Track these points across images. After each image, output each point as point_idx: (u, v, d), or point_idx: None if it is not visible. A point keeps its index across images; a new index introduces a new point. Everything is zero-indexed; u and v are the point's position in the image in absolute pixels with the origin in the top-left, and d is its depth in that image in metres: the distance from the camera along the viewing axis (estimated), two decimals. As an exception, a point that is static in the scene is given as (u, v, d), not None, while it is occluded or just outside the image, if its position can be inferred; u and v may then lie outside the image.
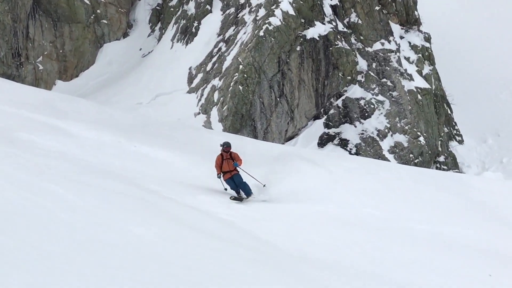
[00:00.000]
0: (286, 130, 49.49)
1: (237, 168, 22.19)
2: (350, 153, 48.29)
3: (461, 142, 55.39)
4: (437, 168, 50.43)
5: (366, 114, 50.54)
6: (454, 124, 56.03)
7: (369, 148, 48.98)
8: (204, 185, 22.35)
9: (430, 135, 51.25)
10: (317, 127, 50.30)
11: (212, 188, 22.14)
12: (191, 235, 13.16)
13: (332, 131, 50.09)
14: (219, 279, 10.17)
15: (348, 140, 49.46)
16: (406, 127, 50.33)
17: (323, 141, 49.46)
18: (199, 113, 48.22)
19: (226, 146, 22.28)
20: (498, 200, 28.07)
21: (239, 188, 22.10)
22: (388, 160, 47.28)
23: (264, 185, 22.78)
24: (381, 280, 15.45)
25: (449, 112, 55.83)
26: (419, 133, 50.39)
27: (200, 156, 26.03)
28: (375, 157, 46.86)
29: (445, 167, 50.97)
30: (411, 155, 49.36)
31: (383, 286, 14.54)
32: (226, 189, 22.06)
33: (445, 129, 54.51)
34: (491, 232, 23.31)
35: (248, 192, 22.00)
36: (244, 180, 22.16)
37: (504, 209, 26.96)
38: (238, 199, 21.64)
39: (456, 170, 50.61)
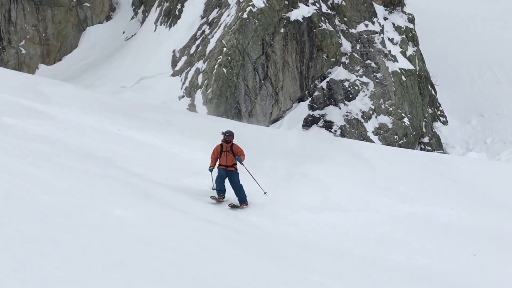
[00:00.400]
0: (270, 112, 49.45)
1: (237, 165, 18.82)
2: (334, 135, 48.35)
3: (445, 123, 55.56)
4: (421, 149, 50.60)
5: (351, 96, 50.56)
6: (438, 105, 56.18)
7: (353, 129, 49.04)
8: (189, 168, 22.27)
9: (414, 116, 51.37)
10: (302, 109, 50.29)
11: (197, 171, 22.01)
12: (175, 217, 13.16)
13: (316, 113, 50.08)
14: (203, 260, 10.17)
15: (333, 122, 49.49)
16: (391, 109, 50.41)
17: (308, 123, 49.45)
18: (183, 96, 48.10)
19: (229, 135, 18.76)
20: (482, 180, 28.22)
21: (235, 191, 18.61)
22: (373, 142, 47.39)
23: (265, 193, 19.24)
24: (364, 259, 15.52)
25: (433, 93, 55.96)
26: (403, 114, 50.49)
27: (185, 140, 25.98)
28: (359, 138, 46.95)
29: (430, 148, 51.15)
30: (395, 136, 49.48)
31: (364, 265, 14.60)
32: (214, 189, 18.77)
33: (429, 110, 54.65)
34: (475, 212, 23.43)
35: (243, 199, 18.48)
36: (241, 183, 18.71)
37: (488, 189, 27.10)
38: (218, 200, 18.38)
39: (440, 151, 50.79)
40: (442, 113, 56.04)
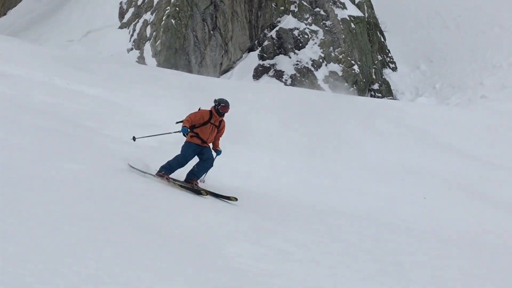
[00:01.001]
0: (220, 63, 49.32)
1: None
2: (285, 84, 48.45)
3: (394, 69, 56.00)
4: (371, 96, 51.02)
5: (300, 45, 50.61)
6: (387, 51, 56.54)
7: (304, 78, 49.19)
8: (142, 122, 22.14)
9: (364, 63, 51.67)
10: (252, 59, 50.26)
11: (149, 124, 21.82)
12: (128, 170, 13.17)
13: (267, 62, 50.09)
14: (154, 209, 10.25)
15: (283, 71, 49.57)
16: (340, 56, 50.61)
17: (258, 73, 49.46)
18: (132, 49, 47.65)
19: (224, 106, 13.82)
20: (432, 125, 28.65)
21: (202, 167, 13.92)
22: (323, 90, 47.63)
23: (202, 181, 14.05)
24: (316, 206, 15.75)
25: (382, 39, 56.27)
26: (353, 62, 50.75)
27: (136, 93, 25.86)
28: (310, 87, 47.15)
29: (380, 95, 51.60)
30: (345, 84, 49.77)
31: (315, 212, 14.82)
32: (134, 139, 15.40)
33: (379, 56, 54.99)
34: (426, 155, 23.83)
35: (200, 176, 13.98)
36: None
37: (438, 133, 27.55)
38: (161, 175, 13.58)
39: (390, 97, 51.29)
40: (391, 60, 56.44)
